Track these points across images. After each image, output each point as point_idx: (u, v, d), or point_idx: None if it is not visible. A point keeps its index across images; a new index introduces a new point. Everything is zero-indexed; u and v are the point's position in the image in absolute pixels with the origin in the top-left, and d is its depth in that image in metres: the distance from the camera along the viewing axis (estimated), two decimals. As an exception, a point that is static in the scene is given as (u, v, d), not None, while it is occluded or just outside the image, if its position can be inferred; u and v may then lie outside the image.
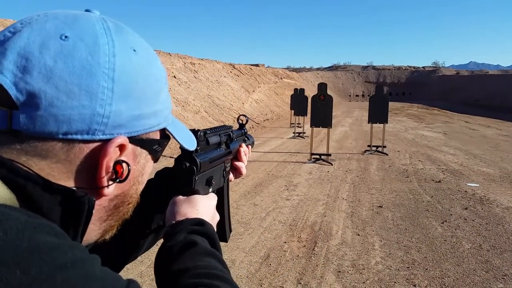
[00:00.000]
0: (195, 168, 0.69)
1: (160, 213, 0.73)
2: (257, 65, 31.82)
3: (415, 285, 3.15)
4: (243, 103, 18.65)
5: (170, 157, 0.78)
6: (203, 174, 0.73)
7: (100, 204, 0.48)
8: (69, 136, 0.42)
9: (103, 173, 0.46)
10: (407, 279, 3.25)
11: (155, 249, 0.69)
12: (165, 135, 0.55)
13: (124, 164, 0.47)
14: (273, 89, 26.44)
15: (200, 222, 0.65)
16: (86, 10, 0.49)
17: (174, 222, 0.65)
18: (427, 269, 3.43)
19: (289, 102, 16.27)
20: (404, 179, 6.77)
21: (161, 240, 0.66)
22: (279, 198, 5.57)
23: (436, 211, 5.03)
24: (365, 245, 3.93)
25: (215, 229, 0.70)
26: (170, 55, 17.01)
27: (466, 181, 6.68)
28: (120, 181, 0.48)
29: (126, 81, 0.45)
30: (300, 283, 3.17)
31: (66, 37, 0.43)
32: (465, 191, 6.00)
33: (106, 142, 0.45)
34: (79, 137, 0.43)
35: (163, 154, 0.56)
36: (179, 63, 16.66)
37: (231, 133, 0.84)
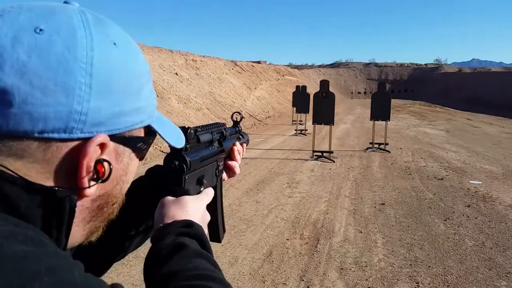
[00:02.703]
0: (185, 166, 0.66)
1: (149, 211, 0.70)
2: (259, 62, 31.74)
3: (417, 283, 3.15)
4: (245, 100, 18.64)
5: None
6: (194, 173, 0.70)
7: (82, 205, 0.46)
8: (46, 135, 0.40)
9: (84, 173, 0.43)
10: (410, 276, 3.25)
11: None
12: (150, 132, 0.53)
13: (105, 164, 0.45)
14: (275, 86, 26.39)
15: (189, 224, 0.62)
16: (65, 2, 0.46)
17: (162, 225, 0.62)
18: (430, 266, 3.43)
19: (291, 99, 16.24)
20: (407, 177, 6.76)
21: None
22: (281, 196, 5.57)
23: (439, 209, 5.02)
24: (367, 243, 3.93)
25: (206, 230, 0.68)
26: (172, 52, 17.00)
27: (469, 178, 6.67)
28: (102, 181, 0.45)
29: (105, 76, 0.43)
30: (303, 280, 3.18)
31: (41, 30, 0.40)
32: (468, 189, 5.99)
33: (85, 140, 0.43)
34: (56, 135, 0.40)
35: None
36: (181, 60, 16.64)
37: (224, 131, 0.81)
